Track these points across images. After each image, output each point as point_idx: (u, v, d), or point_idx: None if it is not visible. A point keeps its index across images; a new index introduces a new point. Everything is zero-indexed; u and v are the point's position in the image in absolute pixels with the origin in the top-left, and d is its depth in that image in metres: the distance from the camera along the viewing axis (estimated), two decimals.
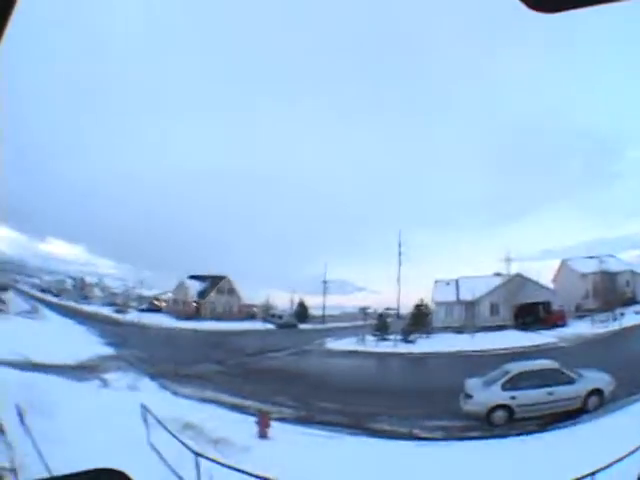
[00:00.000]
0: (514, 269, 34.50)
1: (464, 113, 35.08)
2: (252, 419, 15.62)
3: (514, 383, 16.96)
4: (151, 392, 18.38)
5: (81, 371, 20.27)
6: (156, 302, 64.02)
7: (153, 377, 20.67)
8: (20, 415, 10.66)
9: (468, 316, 36.78)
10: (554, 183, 33.84)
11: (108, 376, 20.12)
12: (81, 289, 61.35)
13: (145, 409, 13.76)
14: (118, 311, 55.91)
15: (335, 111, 35.39)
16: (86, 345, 25.86)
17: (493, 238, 34.67)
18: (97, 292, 61.38)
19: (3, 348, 18.76)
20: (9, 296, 48.68)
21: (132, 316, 51.91)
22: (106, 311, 52.13)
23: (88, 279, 64.93)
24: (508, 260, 34.42)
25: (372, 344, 33.14)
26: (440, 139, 35.62)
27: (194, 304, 61.43)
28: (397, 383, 23.02)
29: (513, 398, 16.61)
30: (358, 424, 16.68)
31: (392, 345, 32.15)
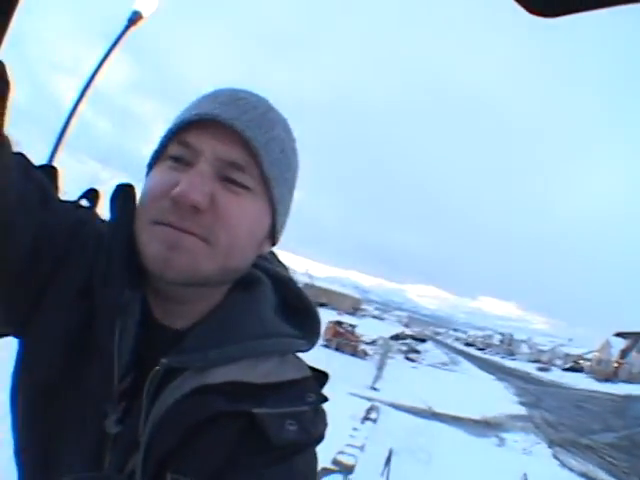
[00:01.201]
0: None
1: None
2: None
3: None
4: (541, 459, 17.06)
5: (483, 427, 20.43)
6: (580, 361, 59.32)
7: (551, 444, 19.56)
8: (388, 458, 11.27)
9: None
10: None
11: (508, 436, 19.64)
12: (508, 345, 63.52)
13: (525, 478, 13.18)
14: (541, 369, 55.47)
15: None
16: (498, 401, 26.06)
17: None
18: (524, 348, 61.54)
19: (408, 395, 20.26)
20: (427, 347, 53.72)
21: (554, 375, 49.66)
22: (529, 368, 51.35)
23: (517, 335, 65.99)
24: None
25: None
26: None
27: (614, 365, 53.91)
28: None
29: None
30: None
31: None
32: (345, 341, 31.68)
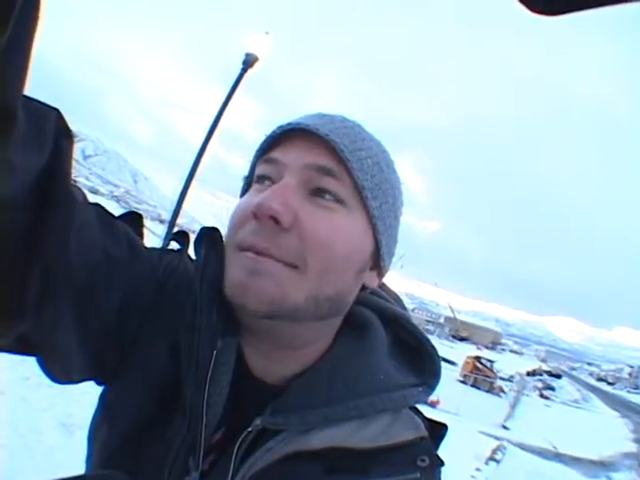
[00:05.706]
0: None
1: None
2: None
3: None
4: None
5: (597, 467, 19.77)
6: None
7: None
8: None
9: None
10: None
11: (615, 475, 18.73)
12: (635, 377, 62.06)
13: None
14: None
15: None
16: (616, 439, 25.50)
17: None
18: None
19: (537, 435, 20.10)
20: (562, 383, 52.15)
21: None
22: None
23: None
24: None
25: None
26: None
27: None
28: None
29: None
30: None
31: None
32: (482, 377, 30.91)
